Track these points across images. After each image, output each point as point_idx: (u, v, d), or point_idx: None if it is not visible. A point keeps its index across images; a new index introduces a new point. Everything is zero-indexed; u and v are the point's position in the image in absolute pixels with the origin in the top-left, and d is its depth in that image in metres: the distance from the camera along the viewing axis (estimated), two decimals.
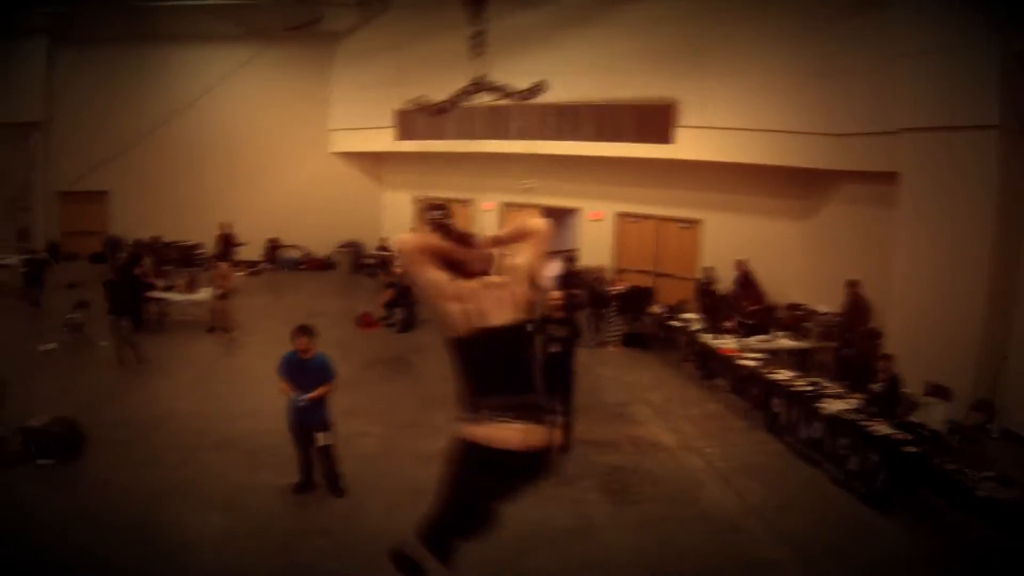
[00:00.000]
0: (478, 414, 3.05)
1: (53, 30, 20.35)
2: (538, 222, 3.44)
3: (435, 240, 3.21)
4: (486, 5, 12.35)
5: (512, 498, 3.30)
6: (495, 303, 3.08)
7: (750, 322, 12.24)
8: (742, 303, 13.35)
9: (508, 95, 12.94)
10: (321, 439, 7.10)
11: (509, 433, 3.00)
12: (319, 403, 7.06)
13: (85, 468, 7.85)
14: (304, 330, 7.16)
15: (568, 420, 8.66)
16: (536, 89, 12.84)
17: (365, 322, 14.90)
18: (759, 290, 13.78)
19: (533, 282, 3.19)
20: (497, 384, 3.06)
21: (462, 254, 3.20)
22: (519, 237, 3.35)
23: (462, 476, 3.15)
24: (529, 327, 3.12)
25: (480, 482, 3.15)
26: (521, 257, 3.25)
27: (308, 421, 7.07)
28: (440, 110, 14.10)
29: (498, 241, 3.36)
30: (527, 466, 3.09)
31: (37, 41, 20.30)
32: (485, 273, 3.22)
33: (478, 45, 12.25)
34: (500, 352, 3.08)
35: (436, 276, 3.12)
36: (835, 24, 12.73)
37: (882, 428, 7.76)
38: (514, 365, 3.10)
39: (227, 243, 18.52)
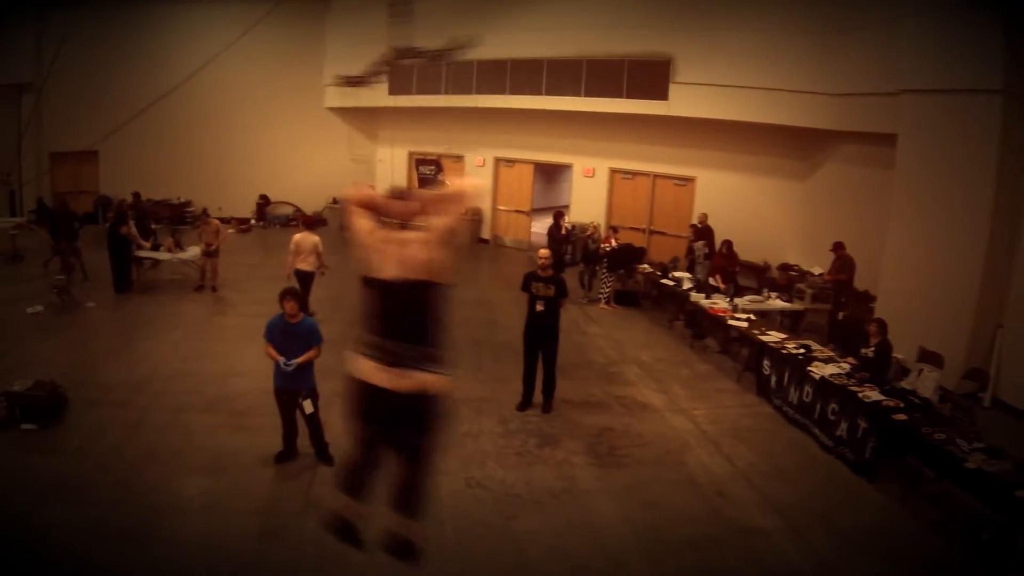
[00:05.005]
0: (358, 348, 3.42)
1: None
2: (468, 184, 3.76)
3: (369, 193, 3.59)
4: None
5: (389, 432, 3.47)
6: (393, 259, 3.34)
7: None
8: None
9: (433, 57, 12.66)
10: (307, 406, 6.88)
11: (364, 366, 3.36)
12: (306, 368, 6.85)
13: (68, 433, 7.64)
14: (291, 293, 6.90)
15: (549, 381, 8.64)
16: (458, 48, 12.48)
17: None
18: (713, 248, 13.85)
19: (448, 243, 3.35)
20: (374, 326, 3.39)
21: (391, 208, 3.50)
22: (449, 198, 3.45)
23: (349, 404, 3.50)
24: (423, 286, 3.32)
25: (357, 410, 3.47)
26: (440, 219, 3.35)
27: (294, 387, 6.87)
28: (357, 82, 14.67)
29: (433, 199, 3.48)
30: (381, 399, 3.34)
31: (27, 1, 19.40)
32: (407, 227, 3.50)
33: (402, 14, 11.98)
34: (382, 301, 3.37)
35: (362, 225, 3.48)
36: None
37: (872, 394, 7.64)
38: (393, 315, 3.36)
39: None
